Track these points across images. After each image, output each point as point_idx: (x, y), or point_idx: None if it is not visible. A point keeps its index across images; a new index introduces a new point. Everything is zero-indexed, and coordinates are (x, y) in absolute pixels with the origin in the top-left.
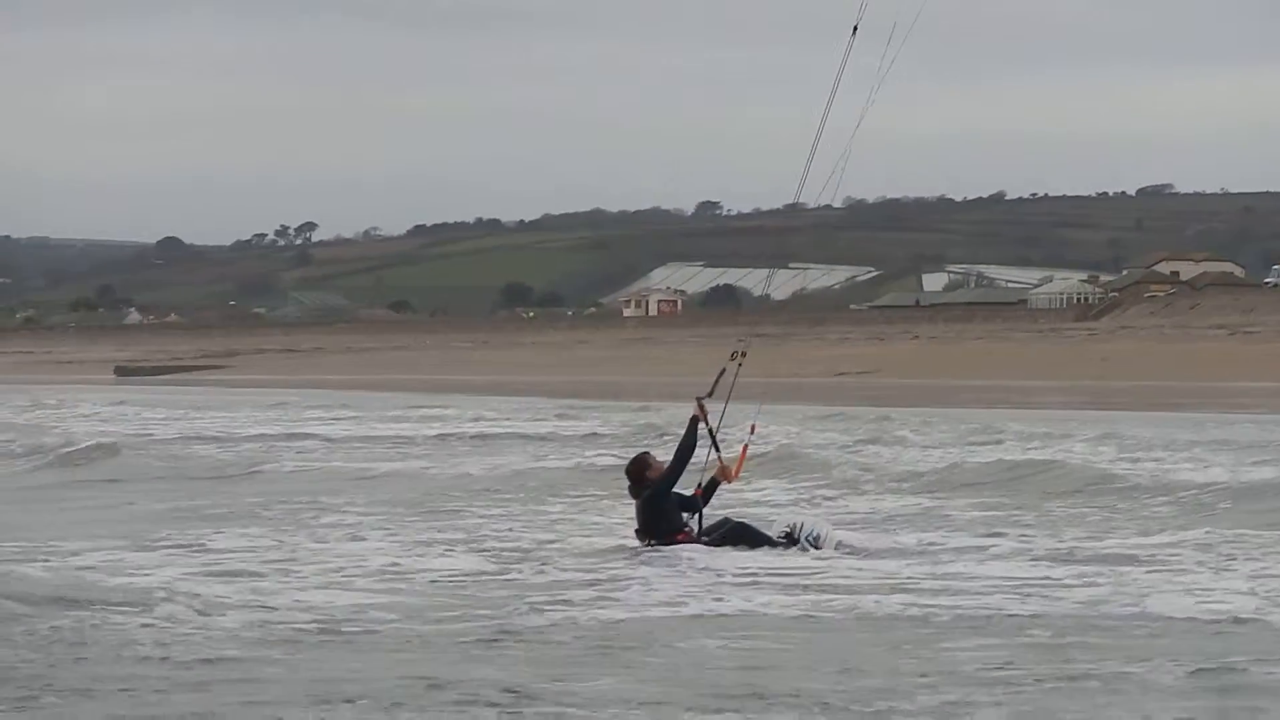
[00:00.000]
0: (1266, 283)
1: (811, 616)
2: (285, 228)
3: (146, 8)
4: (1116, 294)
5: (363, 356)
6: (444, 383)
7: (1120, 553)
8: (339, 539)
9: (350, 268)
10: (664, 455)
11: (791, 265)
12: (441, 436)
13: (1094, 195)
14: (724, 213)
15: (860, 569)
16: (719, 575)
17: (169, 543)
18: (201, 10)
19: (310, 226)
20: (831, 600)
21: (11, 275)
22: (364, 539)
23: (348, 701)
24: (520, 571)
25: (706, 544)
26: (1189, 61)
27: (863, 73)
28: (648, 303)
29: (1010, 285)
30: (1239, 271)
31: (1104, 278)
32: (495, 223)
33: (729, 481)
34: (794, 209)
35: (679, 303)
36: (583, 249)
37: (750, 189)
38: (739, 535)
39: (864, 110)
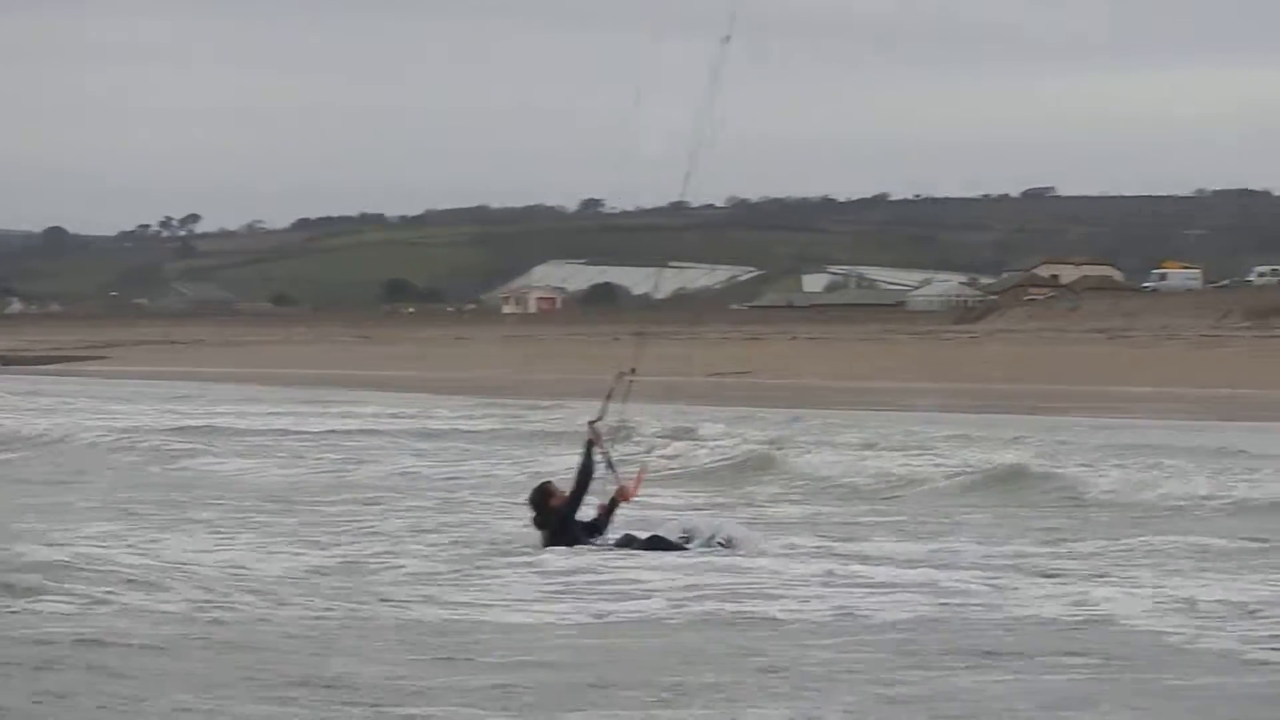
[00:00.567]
0: (1146, 287)
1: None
2: (169, 219)
3: None
4: (996, 297)
5: (243, 350)
6: (322, 377)
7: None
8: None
9: (233, 260)
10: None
11: (673, 264)
12: (329, 432)
13: (977, 197)
14: (607, 210)
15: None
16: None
17: None
18: None
19: (194, 219)
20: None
21: None
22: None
23: None
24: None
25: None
26: (1072, 62)
27: (741, 72)
28: (528, 300)
29: (891, 287)
30: (1119, 275)
31: (984, 280)
32: (379, 217)
33: (628, 500)
34: (677, 207)
35: (558, 300)
36: (466, 245)
37: (634, 186)
38: (650, 546)
39: (712, 108)
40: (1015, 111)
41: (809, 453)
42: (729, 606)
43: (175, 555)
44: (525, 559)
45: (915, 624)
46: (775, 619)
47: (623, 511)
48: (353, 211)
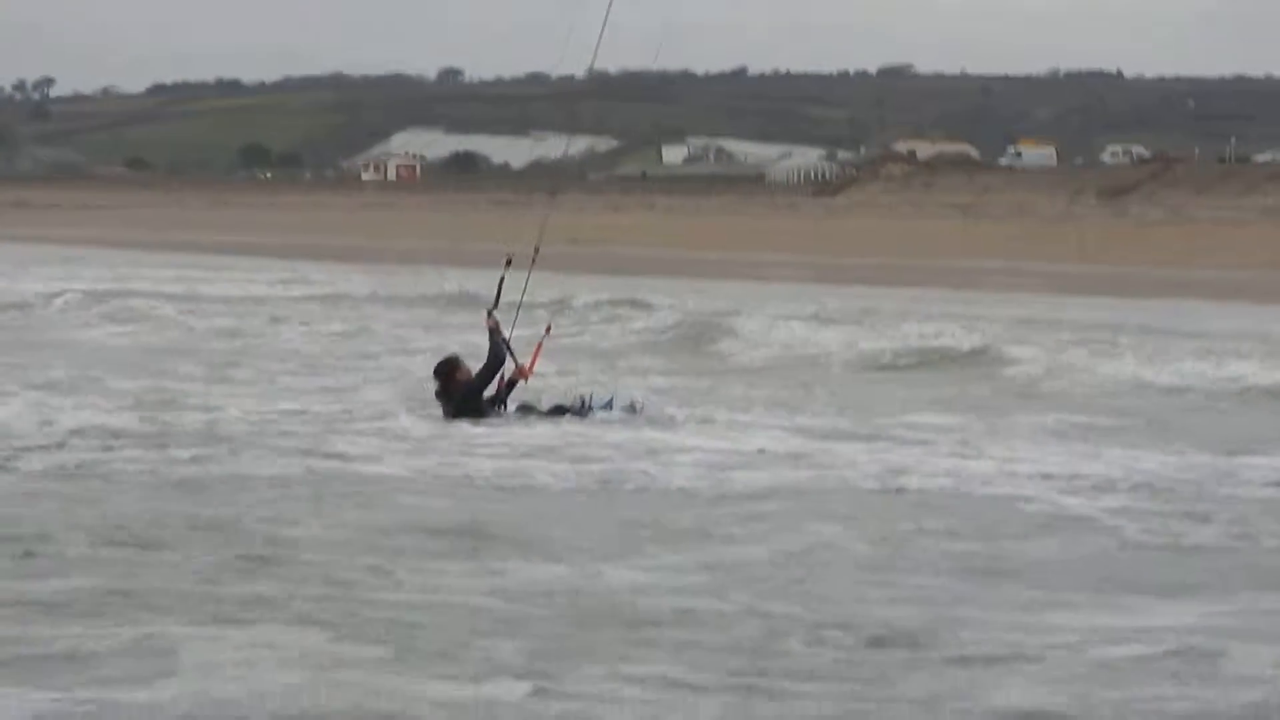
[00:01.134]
0: (1001, 164)
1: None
2: (23, 82)
3: None
4: (854, 171)
5: (98, 214)
6: (176, 241)
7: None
8: None
9: (88, 124)
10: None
11: (531, 133)
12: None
13: (835, 74)
14: (467, 79)
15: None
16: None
17: None
18: None
19: (48, 82)
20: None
21: None
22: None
23: None
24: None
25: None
26: None
27: None
28: (386, 167)
29: (750, 160)
30: (975, 152)
31: (842, 155)
32: (235, 83)
33: (526, 379)
34: (537, 77)
35: (418, 168)
36: (323, 112)
37: (494, 56)
38: (549, 414)
39: None
40: None
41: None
42: (595, 468)
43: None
44: (402, 420)
45: (769, 491)
46: (639, 483)
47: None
48: (209, 77)
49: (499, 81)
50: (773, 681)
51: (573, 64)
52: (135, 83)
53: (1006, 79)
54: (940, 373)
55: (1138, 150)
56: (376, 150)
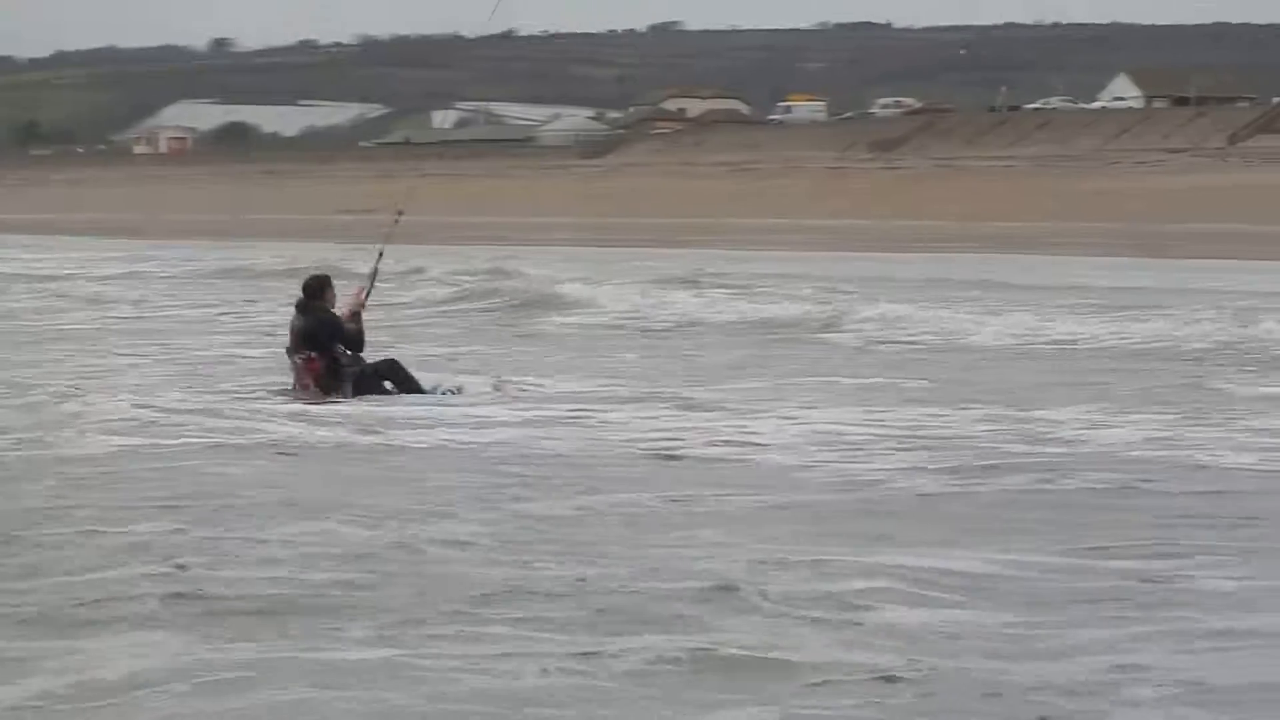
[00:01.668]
0: (771, 119)
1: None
2: None
3: None
4: (623, 131)
5: None
6: None
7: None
8: None
9: None
10: None
11: (302, 102)
12: None
13: (604, 32)
14: (238, 49)
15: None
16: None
17: None
18: None
19: None
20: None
21: None
22: None
23: None
24: None
25: (359, 376)
26: None
27: None
28: (158, 140)
29: (519, 123)
30: (746, 109)
31: (611, 115)
32: (7, 59)
33: (362, 308)
34: (307, 45)
35: (190, 140)
36: (95, 86)
37: (264, 25)
38: (390, 370)
39: None
40: None
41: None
42: (366, 439)
43: None
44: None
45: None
46: (407, 448)
47: None
48: None
49: (269, 50)
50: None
51: (338, 30)
52: None
53: (776, 32)
54: (759, 336)
55: (908, 101)
56: (148, 123)
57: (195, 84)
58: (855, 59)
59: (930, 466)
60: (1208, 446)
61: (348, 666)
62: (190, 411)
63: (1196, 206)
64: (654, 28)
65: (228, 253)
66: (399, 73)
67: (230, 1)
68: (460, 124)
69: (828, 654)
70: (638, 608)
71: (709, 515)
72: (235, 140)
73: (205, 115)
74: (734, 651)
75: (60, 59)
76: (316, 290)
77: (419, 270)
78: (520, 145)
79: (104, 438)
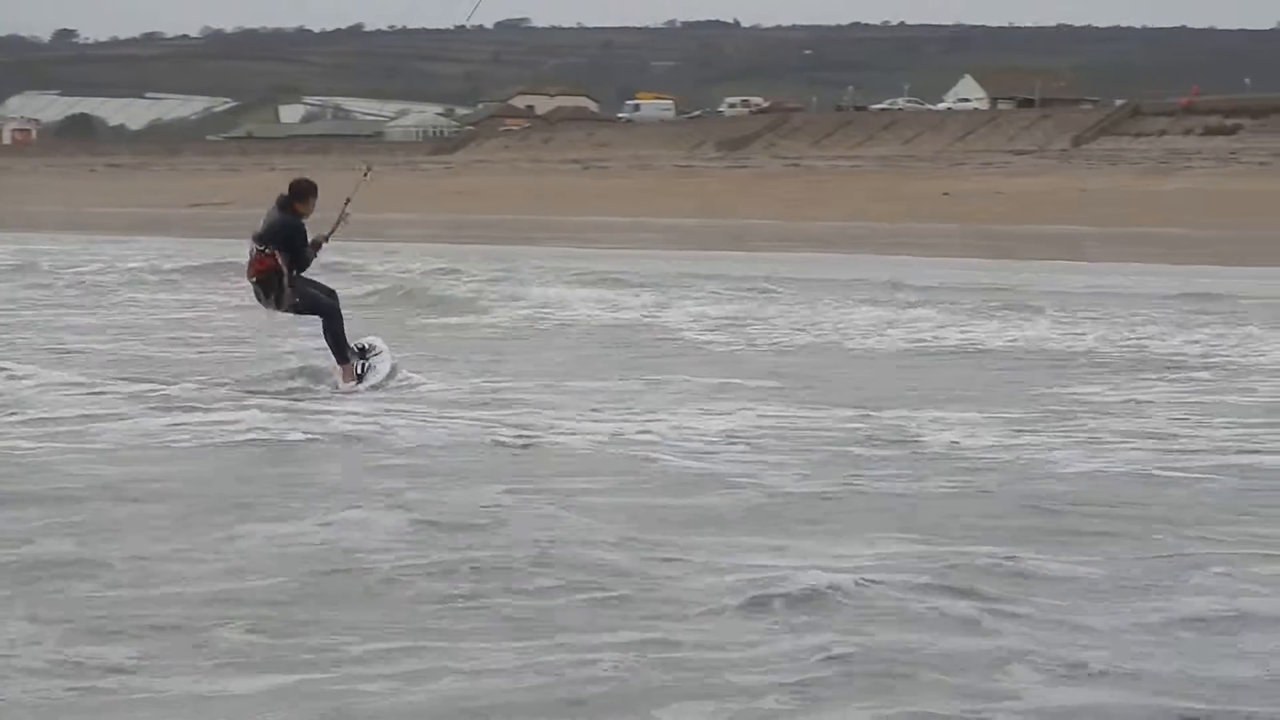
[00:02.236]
0: (620, 117)
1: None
2: None
3: None
4: (472, 128)
5: None
6: None
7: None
8: None
9: None
10: None
11: (148, 95)
12: None
13: (451, 28)
14: (81, 40)
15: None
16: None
17: None
18: None
19: None
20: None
21: None
22: None
23: None
24: None
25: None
26: None
27: None
28: (2, 131)
29: (367, 118)
30: (594, 106)
31: (460, 111)
32: None
33: (326, 241)
34: (152, 38)
35: (34, 132)
36: None
37: (108, 16)
38: (314, 304)
39: None
40: None
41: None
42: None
43: None
44: None
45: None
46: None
47: None
48: None
49: (114, 42)
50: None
51: (184, 22)
52: None
53: (624, 30)
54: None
55: (756, 100)
56: None
57: (38, 75)
58: (703, 58)
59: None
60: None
61: None
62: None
63: (1041, 208)
64: (501, 24)
65: (112, 248)
66: (246, 66)
67: None
68: (308, 118)
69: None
70: None
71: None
72: (80, 132)
73: (49, 106)
74: None
75: None
76: (300, 194)
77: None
78: (369, 141)
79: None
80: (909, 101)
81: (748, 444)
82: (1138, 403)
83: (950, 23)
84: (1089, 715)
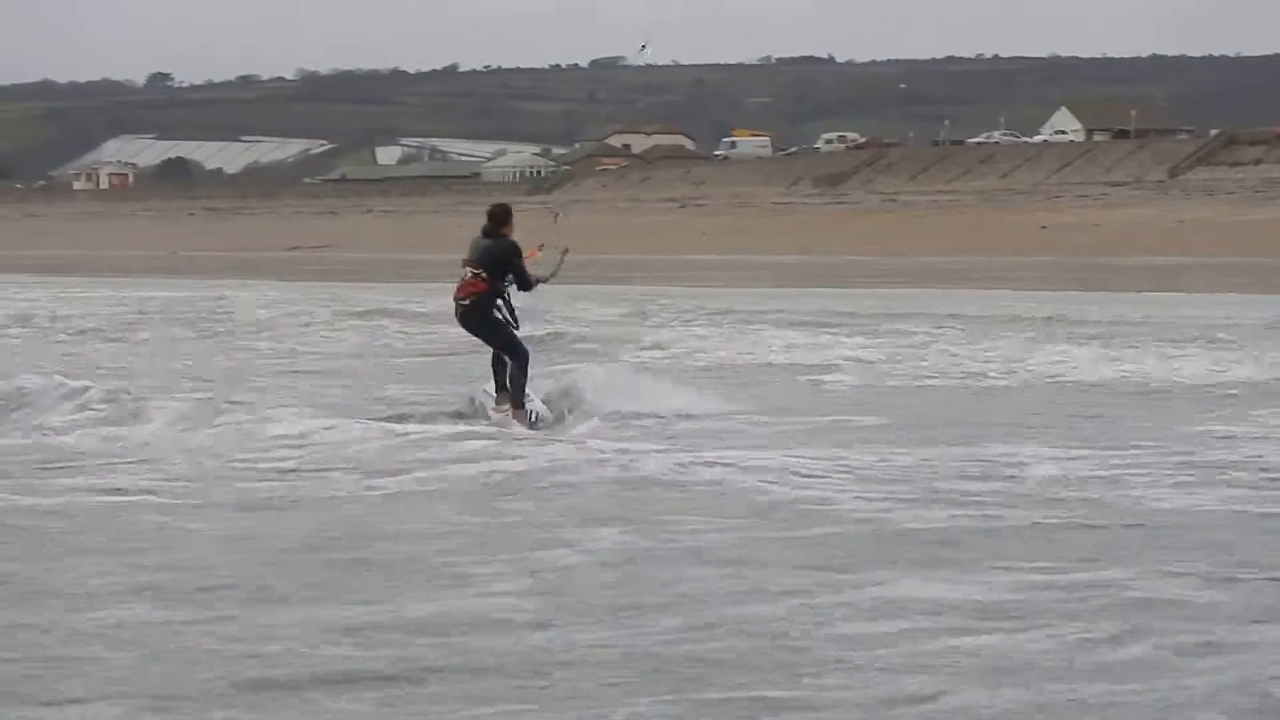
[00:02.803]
0: (717, 155)
1: None
2: None
3: None
4: (569, 167)
5: None
6: None
7: None
8: None
9: None
10: None
11: (244, 138)
12: None
13: (547, 67)
14: (176, 84)
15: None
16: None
17: None
18: None
19: None
20: None
21: None
22: None
23: None
24: None
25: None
26: None
27: None
28: (99, 176)
29: (464, 159)
30: (690, 144)
31: (557, 151)
32: None
33: (545, 282)
34: (247, 81)
35: (130, 175)
36: (32, 120)
37: (202, 60)
38: (513, 343)
39: None
40: None
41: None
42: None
43: None
44: None
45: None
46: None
47: None
48: None
49: (209, 85)
50: None
51: (279, 65)
52: None
53: (718, 67)
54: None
55: (852, 136)
56: (88, 158)
57: (133, 119)
58: (797, 94)
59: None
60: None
61: None
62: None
63: (1139, 240)
64: (596, 62)
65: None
66: (341, 108)
67: (167, 36)
68: (405, 160)
69: None
70: None
71: None
72: (177, 175)
73: (145, 150)
74: None
75: None
76: (502, 218)
77: (392, 311)
78: (466, 182)
79: None
80: (1005, 134)
81: None
82: None
83: (1044, 54)
84: None
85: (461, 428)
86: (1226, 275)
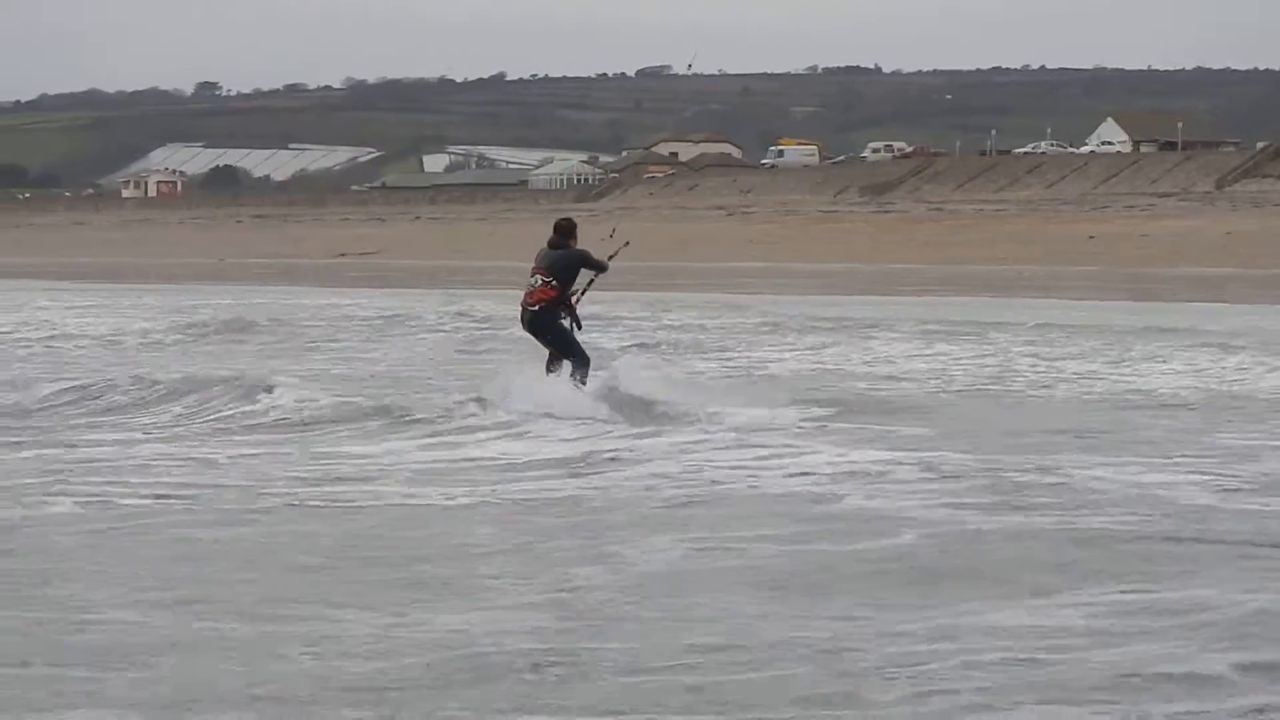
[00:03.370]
0: (764, 163)
1: None
2: None
3: None
4: (616, 175)
5: None
6: None
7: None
8: None
9: None
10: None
11: (291, 146)
12: None
13: (594, 76)
14: (223, 93)
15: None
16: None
17: None
18: None
19: None
20: None
21: None
22: None
23: None
24: None
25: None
26: None
27: None
28: (147, 184)
29: (511, 166)
30: (737, 152)
31: (604, 159)
32: None
33: (610, 260)
34: (294, 89)
35: (179, 184)
36: (80, 129)
37: (250, 69)
38: (577, 348)
39: None
40: None
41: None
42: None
43: None
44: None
45: None
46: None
47: None
48: None
49: (256, 94)
50: None
51: (327, 74)
52: None
53: (764, 76)
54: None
55: (899, 145)
56: (136, 167)
57: (181, 128)
58: (843, 103)
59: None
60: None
61: None
62: None
63: (1187, 251)
64: (642, 71)
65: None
66: (389, 116)
67: (214, 45)
68: (452, 168)
69: None
70: None
71: None
72: (225, 183)
73: (193, 159)
74: None
75: (44, 102)
76: (569, 230)
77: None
78: (513, 189)
79: None
80: (1052, 145)
81: None
82: None
83: (1089, 65)
84: None
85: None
86: (1273, 287)
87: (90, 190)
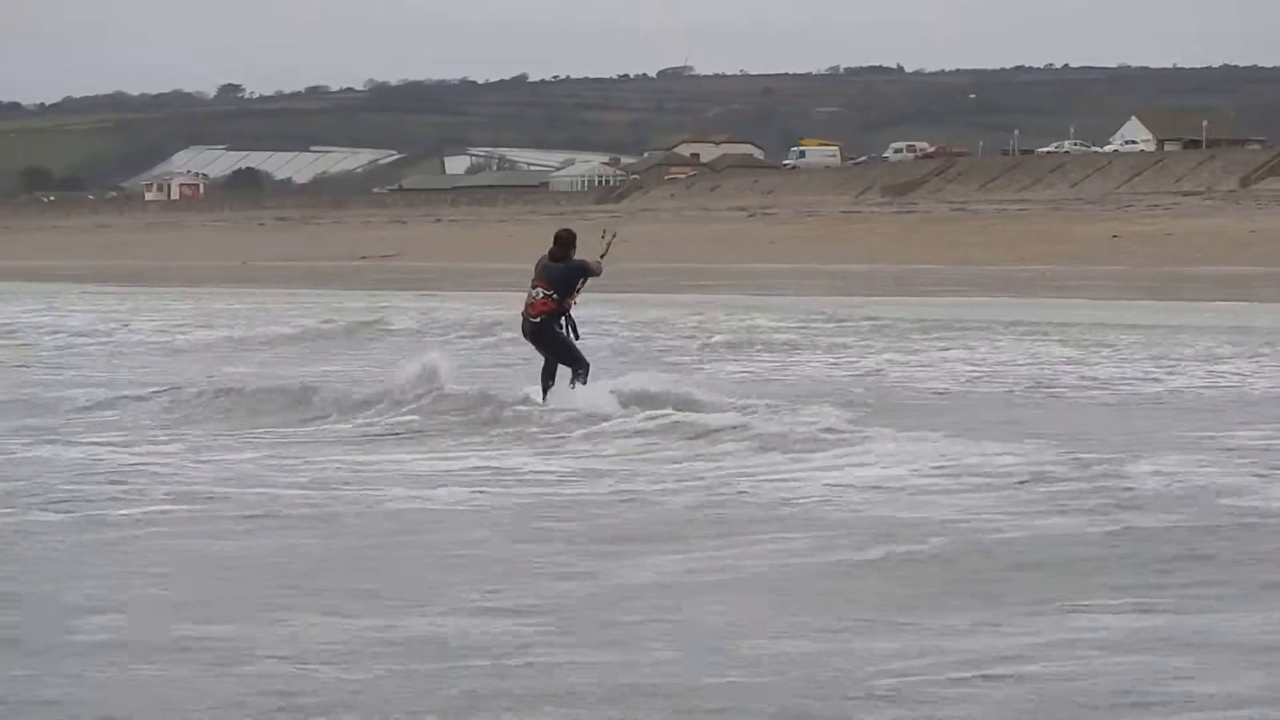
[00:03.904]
0: (786, 164)
1: None
2: None
3: None
4: (638, 176)
5: None
6: None
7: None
8: None
9: None
10: None
11: (313, 148)
12: None
13: (615, 77)
14: (246, 95)
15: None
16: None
17: None
18: None
19: None
20: None
21: None
22: None
23: None
24: None
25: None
26: None
27: None
28: (170, 186)
29: (532, 168)
30: (759, 153)
31: (625, 160)
32: (15, 106)
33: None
34: (316, 91)
35: (201, 186)
36: (104, 132)
37: (272, 71)
38: (575, 354)
39: None
40: None
41: None
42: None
43: None
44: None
45: None
46: None
47: None
48: None
49: (278, 96)
50: None
51: (349, 75)
52: None
53: (786, 77)
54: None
55: (921, 145)
56: (159, 169)
57: (203, 130)
58: (865, 103)
59: None
60: None
61: None
62: None
63: (1212, 250)
64: (663, 73)
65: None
66: (410, 118)
67: (237, 47)
68: (473, 170)
69: None
70: None
71: None
72: (247, 186)
73: (215, 161)
74: None
75: (68, 105)
76: (568, 242)
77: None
78: (534, 191)
79: None
80: (1075, 144)
81: None
82: None
83: (1113, 64)
84: None
85: None
86: None
87: (114, 193)
